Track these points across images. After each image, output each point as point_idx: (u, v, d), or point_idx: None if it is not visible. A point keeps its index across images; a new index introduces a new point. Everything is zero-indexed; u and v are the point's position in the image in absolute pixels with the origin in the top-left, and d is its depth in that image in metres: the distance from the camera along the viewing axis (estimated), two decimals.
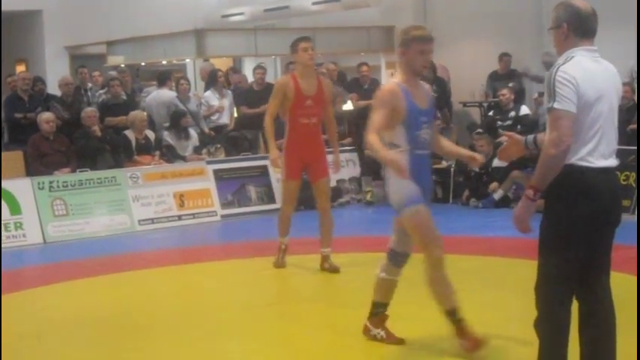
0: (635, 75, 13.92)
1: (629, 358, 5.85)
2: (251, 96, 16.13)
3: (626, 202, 11.80)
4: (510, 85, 15.67)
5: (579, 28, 4.93)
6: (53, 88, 15.77)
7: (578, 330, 5.05)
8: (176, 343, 7.20)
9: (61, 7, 21.28)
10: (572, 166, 4.80)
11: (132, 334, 7.60)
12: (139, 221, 13.19)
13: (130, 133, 14.03)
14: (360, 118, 13.34)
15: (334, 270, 9.31)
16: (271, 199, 14.38)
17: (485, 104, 16.59)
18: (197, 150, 14.63)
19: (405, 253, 6.73)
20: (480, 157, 6.72)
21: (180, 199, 13.58)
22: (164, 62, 21.03)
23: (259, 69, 16.52)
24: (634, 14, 14.70)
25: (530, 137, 5.35)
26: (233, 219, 13.80)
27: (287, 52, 19.53)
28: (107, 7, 21.43)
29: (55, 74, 17.71)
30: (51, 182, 12.78)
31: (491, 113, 15.24)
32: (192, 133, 14.78)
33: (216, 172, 14.11)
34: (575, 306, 5.04)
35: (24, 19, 21.99)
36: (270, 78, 18.70)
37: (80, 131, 13.85)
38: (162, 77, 16.21)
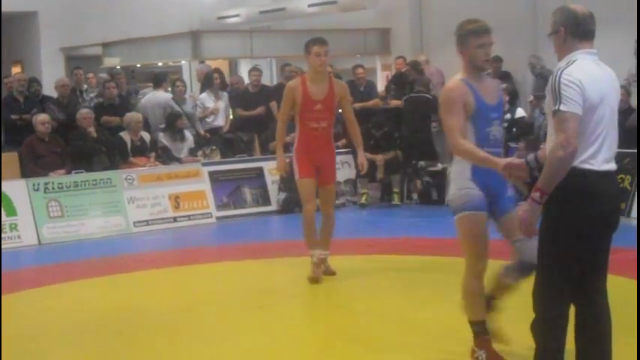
0: (632, 79, 13.93)
1: None
2: (246, 98, 16.14)
3: (620, 205, 11.82)
4: (503, 86, 15.68)
5: (576, 31, 4.93)
6: (49, 90, 15.75)
7: (574, 332, 5.06)
8: (171, 345, 7.20)
9: (57, 8, 21.28)
10: (575, 168, 4.79)
11: (127, 335, 7.59)
12: (135, 223, 13.18)
13: (125, 135, 14.02)
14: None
15: (330, 273, 9.23)
16: (266, 201, 14.37)
17: None
18: (192, 152, 14.62)
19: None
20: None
21: (176, 200, 13.57)
22: (160, 64, 21.05)
23: (255, 71, 16.52)
24: (631, 17, 14.73)
25: (531, 156, 5.32)
26: (228, 221, 13.79)
27: (283, 53, 19.83)
28: (103, 9, 21.44)
29: (51, 75, 17.71)
30: (46, 184, 12.77)
31: None
32: (188, 134, 14.78)
33: (211, 173, 14.10)
34: (571, 308, 5.04)
35: (20, 21, 21.98)
36: (265, 80, 18.73)
37: (75, 133, 13.83)
38: (158, 79, 16.20)
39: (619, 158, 5.23)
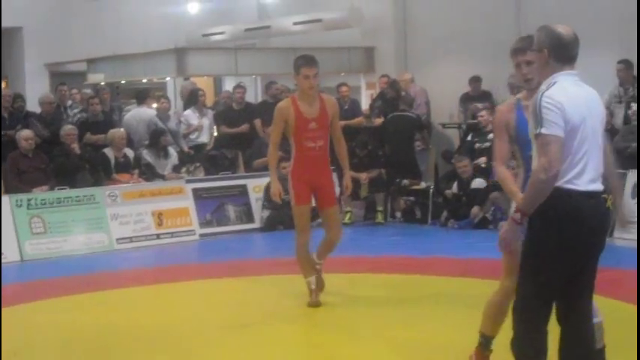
0: (613, 100, 14.00)
1: None
2: (231, 115, 16.16)
3: None
4: (480, 106, 15.81)
5: (560, 55, 4.95)
6: (33, 106, 15.71)
7: (559, 353, 5.06)
8: None
9: (42, 24, 21.25)
10: (559, 189, 4.81)
11: (108, 353, 7.56)
12: (117, 240, 13.14)
13: (109, 151, 14.00)
14: None
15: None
16: (250, 218, 14.36)
17: (463, 125, 16.66)
18: (176, 169, 14.61)
19: None
20: None
21: (159, 217, 13.54)
22: (144, 80, 21.02)
23: (239, 88, 16.55)
24: (613, 38, 14.82)
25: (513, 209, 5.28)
26: (212, 238, 13.77)
27: (267, 71, 19.83)
28: (88, 25, 21.43)
29: (35, 91, 17.67)
30: (29, 200, 12.72)
31: (469, 137, 15.23)
32: (172, 151, 14.76)
33: (195, 191, 14.08)
34: (555, 327, 5.05)
35: (4, 36, 21.91)
36: (250, 97, 18.73)
37: (59, 149, 13.80)
38: (141, 95, 16.21)
39: (605, 178, 5.23)
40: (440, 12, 17.94)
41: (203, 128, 15.75)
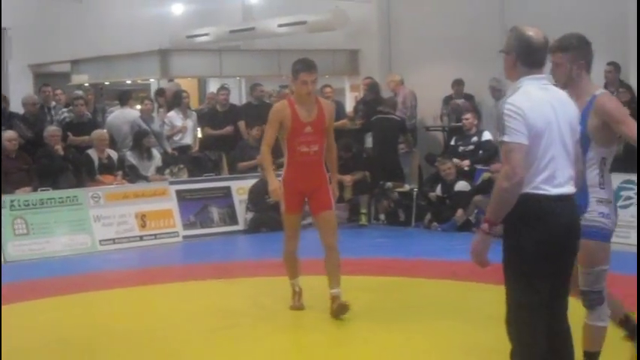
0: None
1: None
2: (215, 117, 16.15)
3: None
4: (460, 102, 15.87)
5: (527, 60, 4.93)
6: (16, 107, 15.66)
7: None
8: None
9: (26, 25, 21.16)
10: (528, 194, 4.79)
11: (91, 354, 7.55)
12: (100, 241, 13.11)
13: (92, 153, 13.97)
14: None
15: (344, 311, 8.29)
16: (234, 220, 14.35)
17: (447, 128, 16.70)
18: (160, 170, 14.58)
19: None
20: None
21: (142, 219, 13.52)
22: (128, 82, 20.98)
23: (223, 90, 16.56)
24: (601, 41, 14.83)
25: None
26: (195, 240, 13.76)
27: (252, 73, 19.81)
28: (72, 26, 21.36)
29: (19, 92, 17.59)
30: (12, 201, 12.68)
31: (453, 141, 15.26)
32: (155, 153, 14.74)
33: (178, 192, 14.07)
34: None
35: None
36: (234, 99, 18.73)
37: (43, 150, 13.77)
38: (124, 96, 16.19)
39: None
40: (424, 15, 17.99)
41: (187, 130, 15.73)
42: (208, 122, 16.18)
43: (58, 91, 16.51)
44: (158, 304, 9.55)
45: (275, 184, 8.43)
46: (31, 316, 9.06)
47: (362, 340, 7.62)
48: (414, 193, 14.69)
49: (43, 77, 20.55)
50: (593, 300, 5.77)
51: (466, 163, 14.39)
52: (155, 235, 13.58)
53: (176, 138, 15.66)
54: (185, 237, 13.79)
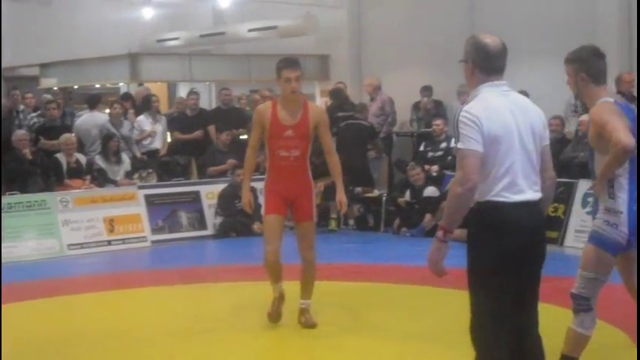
0: (570, 109, 14.13)
1: None
2: (184, 121, 16.11)
3: (553, 234, 11.90)
4: (426, 100, 15.94)
5: (485, 66, 4.94)
6: None
7: None
8: None
9: None
10: (489, 202, 4.79)
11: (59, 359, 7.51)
12: (68, 246, 13.05)
13: (61, 157, 13.89)
14: None
15: (310, 325, 8.15)
16: (203, 225, 14.31)
17: (416, 134, 16.75)
18: (129, 174, 14.53)
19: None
20: None
21: (110, 224, 13.46)
22: (98, 86, 20.92)
23: (193, 94, 16.53)
24: (570, 47, 14.94)
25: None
26: (164, 245, 13.71)
27: (222, 77, 19.78)
28: (41, 29, 21.27)
29: None
30: None
31: (422, 147, 15.32)
32: (125, 157, 14.68)
33: (147, 197, 14.02)
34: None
35: None
36: (204, 104, 18.71)
37: (11, 154, 13.67)
38: (93, 100, 16.12)
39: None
40: (395, 22, 18.07)
41: (156, 134, 15.68)
42: (178, 127, 16.14)
43: (29, 95, 16.40)
44: (127, 309, 9.50)
45: (246, 197, 8.22)
46: None
47: (332, 346, 7.62)
48: (384, 199, 14.72)
49: (11, 81, 20.43)
50: (578, 305, 5.87)
51: (435, 168, 14.45)
52: (123, 239, 13.52)
53: (145, 142, 15.61)
54: (153, 242, 13.75)
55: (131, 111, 16.56)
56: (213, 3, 21.69)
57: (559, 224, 12.33)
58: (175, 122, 16.28)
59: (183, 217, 14.24)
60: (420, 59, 17.48)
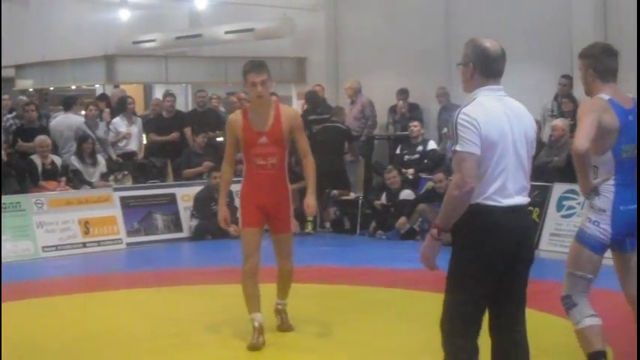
0: (547, 113, 14.18)
1: None
2: (160, 123, 16.07)
3: None
4: (401, 103, 16.00)
5: (485, 70, 4.99)
6: None
7: None
8: None
9: None
10: (479, 205, 4.83)
11: None
12: (43, 248, 12.99)
13: (36, 158, 13.83)
14: None
15: (287, 329, 8.15)
16: (178, 227, 14.28)
17: (393, 137, 16.78)
18: (104, 176, 14.48)
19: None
20: None
21: (86, 225, 13.41)
22: (73, 87, 20.84)
23: (169, 96, 16.48)
24: (546, 51, 15.04)
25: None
26: (139, 247, 13.67)
27: (198, 79, 19.75)
28: (17, 30, 21.16)
29: None
30: None
31: (398, 150, 15.37)
32: (100, 159, 14.63)
33: (122, 199, 13.97)
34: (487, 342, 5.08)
35: None
36: (180, 106, 18.66)
37: None
38: (68, 102, 16.06)
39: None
40: (371, 24, 18.08)
41: (132, 136, 15.64)
42: (154, 128, 16.10)
43: (6, 97, 16.32)
44: (102, 312, 9.46)
45: (222, 212, 7.95)
46: None
47: (306, 349, 7.62)
48: (359, 201, 14.73)
49: None
50: (564, 305, 5.98)
51: (411, 171, 14.49)
52: (98, 242, 13.47)
53: (121, 144, 15.57)
54: (129, 244, 13.71)
55: (107, 110, 16.52)
56: (190, 5, 21.65)
57: (534, 228, 12.37)
58: (151, 124, 16.24)
59: (159, 219, 14.20)
60: (397, 62, 17.50)
